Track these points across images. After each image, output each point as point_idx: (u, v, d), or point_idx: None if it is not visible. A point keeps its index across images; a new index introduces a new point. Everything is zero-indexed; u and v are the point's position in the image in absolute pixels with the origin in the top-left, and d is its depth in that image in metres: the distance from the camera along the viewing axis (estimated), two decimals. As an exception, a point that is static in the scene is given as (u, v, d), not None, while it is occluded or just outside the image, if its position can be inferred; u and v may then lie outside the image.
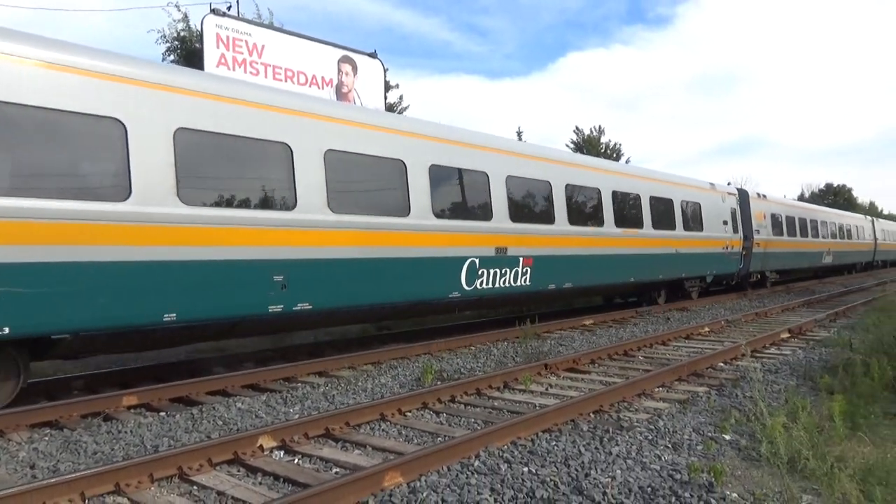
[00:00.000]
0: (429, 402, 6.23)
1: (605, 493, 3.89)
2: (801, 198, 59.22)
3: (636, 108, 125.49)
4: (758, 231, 19.84)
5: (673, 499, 3.84)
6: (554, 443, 4.93)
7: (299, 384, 7.41)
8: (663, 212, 15.02)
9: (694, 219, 16.38)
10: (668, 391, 6.80)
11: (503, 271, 10.43)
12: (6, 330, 5.43)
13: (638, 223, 14.03)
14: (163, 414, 6.11)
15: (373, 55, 15.82)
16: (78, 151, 6.03)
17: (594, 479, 4.15)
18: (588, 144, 31.45)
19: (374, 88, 15.80)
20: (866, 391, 6.12)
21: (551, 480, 4.11)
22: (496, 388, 6.98)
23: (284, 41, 14.07)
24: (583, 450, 4.75)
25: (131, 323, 6.32)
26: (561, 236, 11.67)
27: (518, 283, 10.76)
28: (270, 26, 14.99)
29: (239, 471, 4.53)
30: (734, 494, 3.92)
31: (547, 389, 7.01)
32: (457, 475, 4.22)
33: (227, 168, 7.17)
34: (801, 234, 24.09)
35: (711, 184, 18.18)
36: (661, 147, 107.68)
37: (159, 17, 31.11)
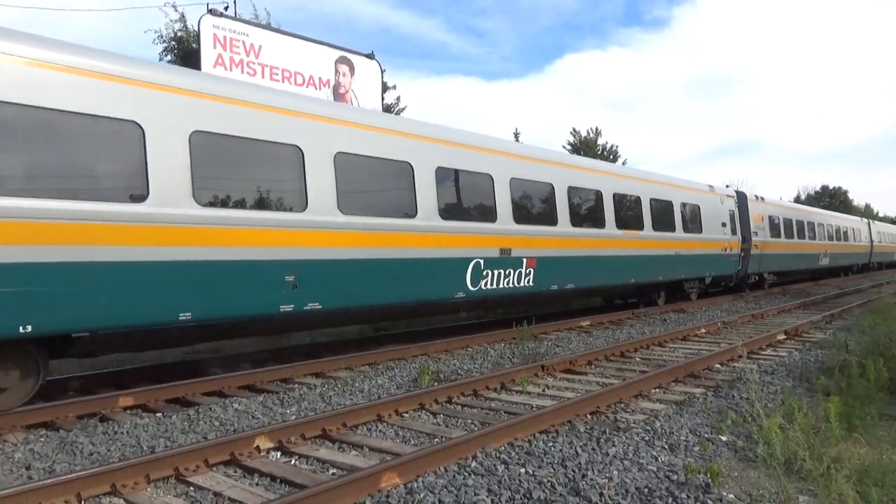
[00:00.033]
0: (426, 403, 6.23)
1: (601, 494, 3.90)
2: (797, 200, 59.35)
3: (633, 110, 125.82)
4: (756, 233, 19.92)
5: (670, 500, 3.84)
6: (551, 444, 4.93)
7: (296, 385, 7.40)
8: (663, 214, 15.13)
9: (693, 221, 16.48)
10: (664, 392, 6.81)
11: (507, 272, 10.54)
12: (29, 328, 5.53)
13: (638, 225, 14.13)
14: (159, 415, 6.10)
15: (370, 56, 15.80)
16: (98, 154, 6.15)
17: (591, 480, 4.15)
18: (585, 146, 31.48)
19: (371, 89, 15.79)
20: (862, 392, 6.13)
21: (548, 481, 4.12)
22: (493, 389, 6.98)
23: (281, 42, 14.05)
24: (580, 451, 4.75)
25: (149, 322, 6.45)
26: (563, 238, 11.79)
27: (522, 284, 10.86)
28: (268, 27, 14.97)
29: (236, 472, 4.52)
30: (731, 495, 3.93)
31: (544, 390, 7.02)
32: (454, 476, 4.22)
33: (240, 170, 7.28)
34: (798, 237, 24.19)
35: (710, 186, 18.28)
36: (658, 149, 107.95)
37: (156, 18, 31.02)
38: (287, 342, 10.72)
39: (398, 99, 20.09)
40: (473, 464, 4.44)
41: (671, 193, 15.61)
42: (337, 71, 15.02)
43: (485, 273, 10.07)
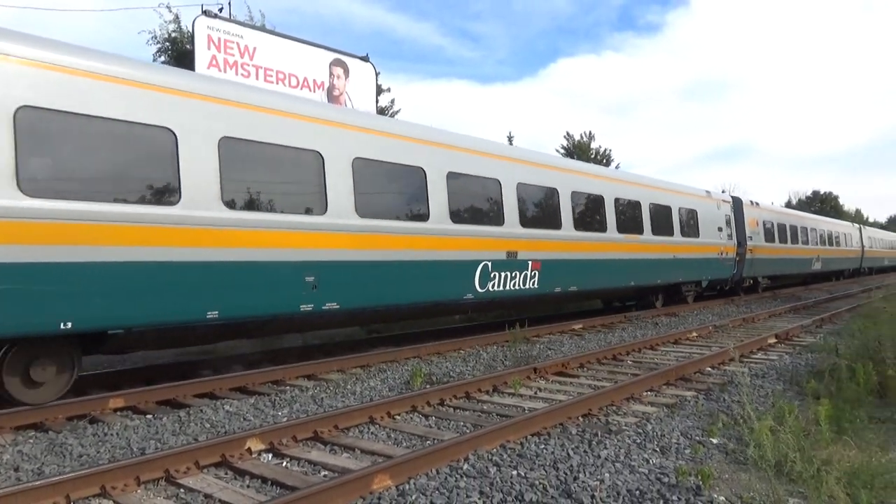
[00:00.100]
0: (418, 405, 6.22)
1: (593, 497, 3.90)
2: (789, 204, 59.77)
3: (627, 114, 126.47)
4: (751, 238, 20.16)
5: (661, 502, 3.85)
6: (543, 446, 4.93)
7: (288, 387, 7.37)
8: (662, 218, 15.43)
9: (691, 225, 16.77)
10: (656, 395, 6.83)
11: (513, 274, 10.74)
12: (69, 324, 5.74)
13: (638, 229, 14.41)
14: (150, 416, 6.07)
15: (365, 59, 15.80)
16: (135, 159, 6.41)
17: (583, 482, 4.16)
18: (578, 150, 31.59)
19: (365, 92, 15.78)
20: (852, 396, 6.17)
21: (540, 483, 4.12)
22: (485, 391, 6.99)
23: (276, 43, 14.03)
24: (571, 453, 4.76)
25: (179, 320, 6.68)
26: (567, 241, 12.02)
27: (527, 286, 11.07)
28: (262, 28, 14.95)
29: (227, 473, 4.50)
30: (721, 497, 3.95)
31: (536, 393, 7.02)
32: (446, 478, 4.21)
33: (264, 174, 7.53)
34: (791, 241, 24.43)
35: (707, 191, 18.55)
36: (652, 153, 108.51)
37: (150, 18, 30.90)
38: (279, 344, 10.68)
39: (392, 102, 20.11)
40: (465, 466, 4.44)
41: (670, 198, 15.93)
42: (331, 73, 15.01)
43: (492, 275, 10.30)
